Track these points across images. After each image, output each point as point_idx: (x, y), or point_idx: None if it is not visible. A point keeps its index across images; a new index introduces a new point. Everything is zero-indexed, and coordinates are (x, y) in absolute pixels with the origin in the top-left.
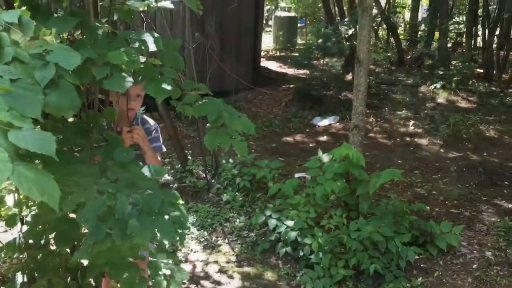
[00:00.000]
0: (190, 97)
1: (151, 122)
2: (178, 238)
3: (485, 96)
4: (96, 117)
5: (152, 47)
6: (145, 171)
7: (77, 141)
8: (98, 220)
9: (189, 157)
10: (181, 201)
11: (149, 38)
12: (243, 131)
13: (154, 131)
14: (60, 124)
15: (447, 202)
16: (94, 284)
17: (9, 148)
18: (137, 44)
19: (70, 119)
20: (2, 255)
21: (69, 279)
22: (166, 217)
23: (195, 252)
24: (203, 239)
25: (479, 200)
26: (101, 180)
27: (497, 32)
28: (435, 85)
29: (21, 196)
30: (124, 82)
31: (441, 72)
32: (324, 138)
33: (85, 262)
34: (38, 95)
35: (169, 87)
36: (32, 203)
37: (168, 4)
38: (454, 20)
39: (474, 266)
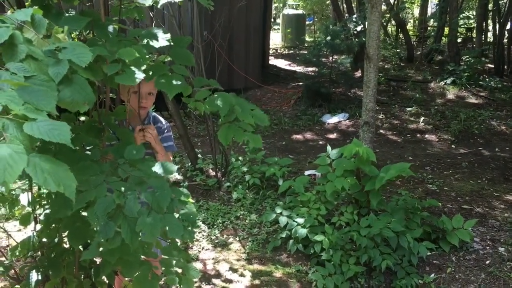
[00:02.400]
0: (202, 93)
1: (163, 121)
2: (187, 236)
3: (496, 91)
4: (108, 115)
5: (162, 43)
6: (156, 169)
7: (89, 139)
8: (108, 218)
9: (199, 155)
10: (191, 199)
11: (159, 34)
12: (256, 123)
13: (165, 130)
14: (72, 123)
15: (459, 198)
16: (107, 281)
17: (25, 141)
18: (145, 41)
19: (82, 118)
20: (17, 254)
21: (82, 277)
22: (176, 215)
23: (206, 250)
24: (214, 237)
25: (491, 196)
26: (111, 178)
27: (508, 27)
28: (445, 81)
29: (35, 195)
30: (135, 76)
31: (451, 68)
32: (333, 135)
33: (98, 260)
34: (52, 90)
35: (180, 83)
36: (45, 202)
37: None
38: (464, 14)
39: (487, 262)
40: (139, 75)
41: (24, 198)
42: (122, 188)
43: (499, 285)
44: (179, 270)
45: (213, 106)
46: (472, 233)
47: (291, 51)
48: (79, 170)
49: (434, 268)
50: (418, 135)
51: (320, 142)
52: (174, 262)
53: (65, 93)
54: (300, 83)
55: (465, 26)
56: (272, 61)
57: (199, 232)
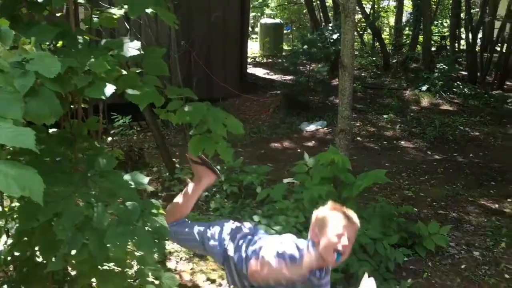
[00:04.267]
0: (174, 104)
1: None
2: (157, 249)
3: (470, 98)
4: (80, 126)
5: (132, 52)
6: (127, 179)
7: (60, 150)
8: (75, 230)
9: (177, 165)
10: (162, 211)
11: (129, 43)
12: (231, 131)
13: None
14: (44, 134)
15: (434, 203)
16: None
17: None
18: (116, 51)
19: (51, 130)
20: None
21: None
22: (146, 227)
23: (184, 260)
24: None
25: (466, 201)
26: (81, 190)
27: (480, 35)
28: (420, 88)
29: (6, 209)
30: (105, 89)
31: (426, 75)
32: (311, 143)
33: (73, 272)
34: (18, 100)
35: (151, 94)
36: (16, 216)
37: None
38: (437, 23)
39: (463, 266)
40: (110, 88)
41: None
42: (90, 200)
43: None
44: (156, 282)
45: (184, 117)
46: (447, 238)
47: (269, 60)
48: (48, 182)
49: (410, 273)
50: (395, 142)
51: (299, 150)
52: (150, 272)
53: (31, 105)
54: (279, 92)
55: (439, 34)
56: (251, 70)
57: None
